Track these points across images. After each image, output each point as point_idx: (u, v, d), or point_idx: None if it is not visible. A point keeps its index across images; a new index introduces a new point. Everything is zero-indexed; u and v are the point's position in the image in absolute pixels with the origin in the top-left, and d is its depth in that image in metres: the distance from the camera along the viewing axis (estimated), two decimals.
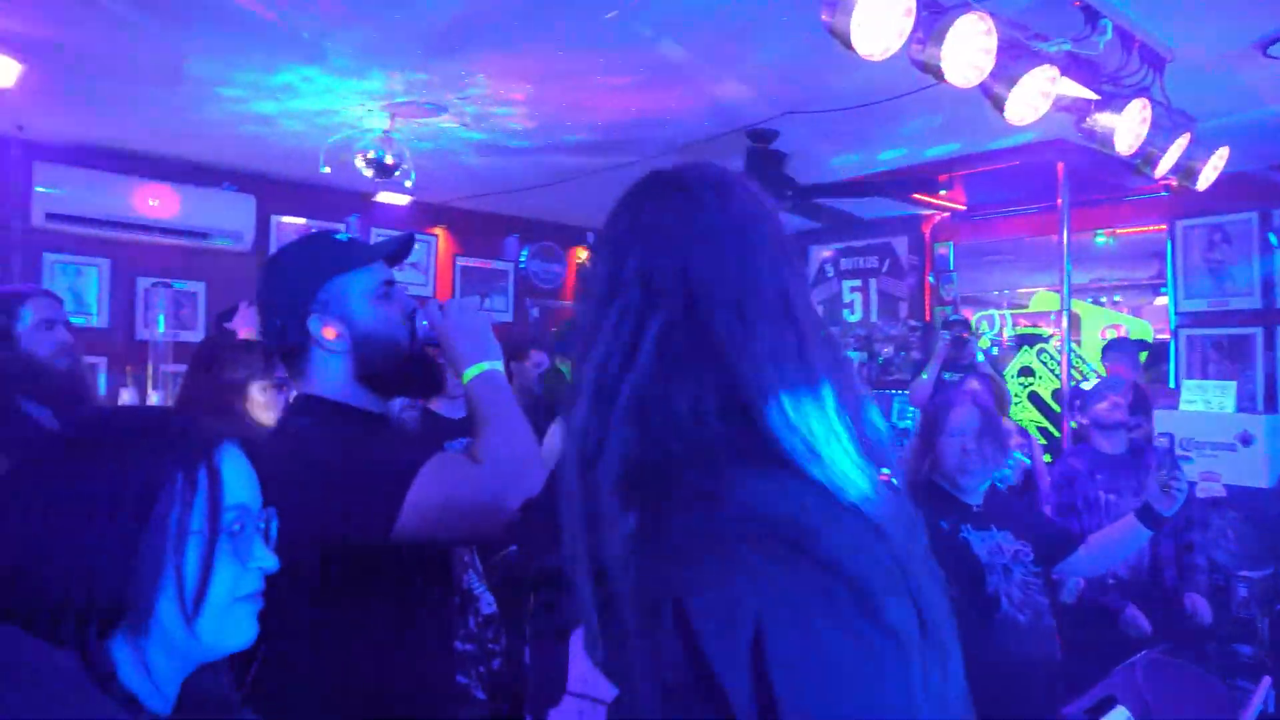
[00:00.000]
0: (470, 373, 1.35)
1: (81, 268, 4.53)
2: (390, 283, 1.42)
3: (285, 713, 1.08)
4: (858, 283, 6.19)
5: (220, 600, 0.82)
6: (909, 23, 2.49)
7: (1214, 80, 3.46)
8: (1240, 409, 3.86)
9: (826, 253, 6.44)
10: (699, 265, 0.80)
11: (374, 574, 1.28)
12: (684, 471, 0.74)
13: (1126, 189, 4.78)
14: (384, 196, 5.44)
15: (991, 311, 6.30)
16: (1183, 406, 3.83)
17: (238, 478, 0.87)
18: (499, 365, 1.38)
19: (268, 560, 0.87)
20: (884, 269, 6.06)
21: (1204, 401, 3.81)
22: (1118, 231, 5.49)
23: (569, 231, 6.47)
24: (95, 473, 0.80)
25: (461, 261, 5.96)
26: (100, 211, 4.40)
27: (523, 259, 6.27)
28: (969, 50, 2.62)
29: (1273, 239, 4.28)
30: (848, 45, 2.45)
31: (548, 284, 6.43)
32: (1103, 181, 4.53)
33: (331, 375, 1.38)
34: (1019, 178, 4.87)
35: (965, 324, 4.48)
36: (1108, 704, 1.60)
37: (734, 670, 0.65)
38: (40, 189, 4.25)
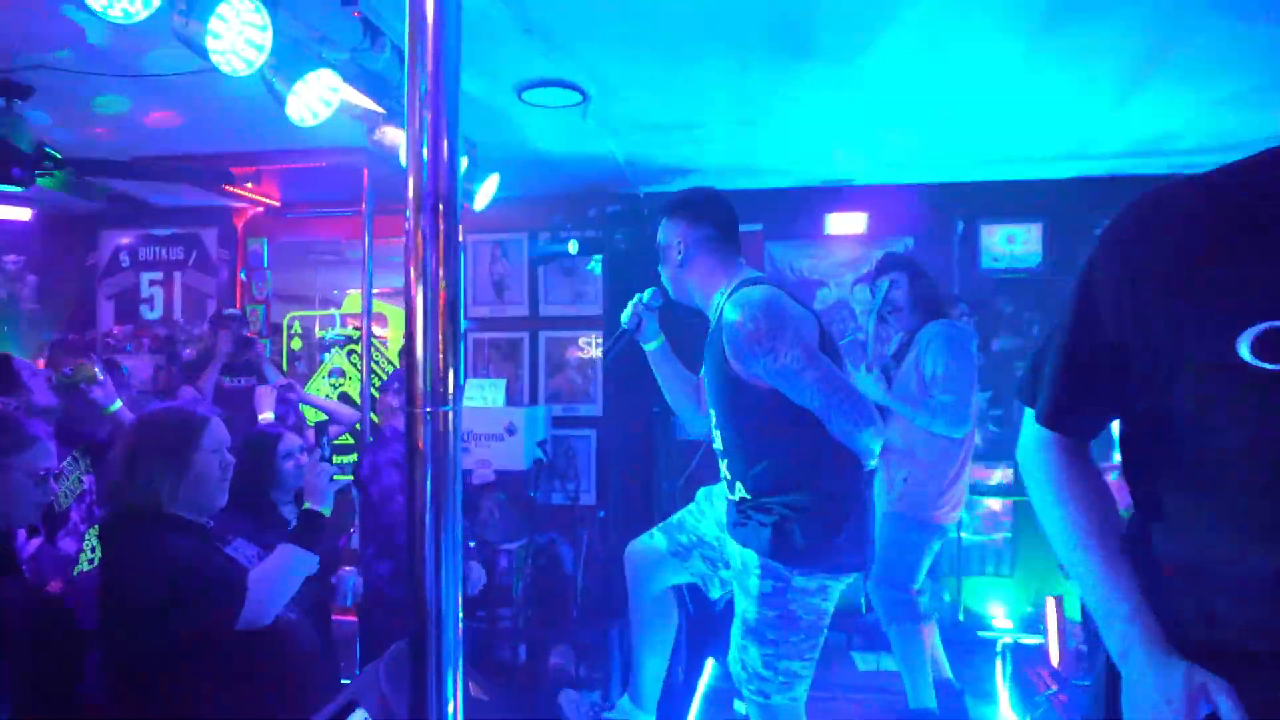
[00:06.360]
0: None
1: None
2: None
3: None
4: (159, 275, 5.57)
5: None
6: None
7: (489, 115, 3.90)
8: (511, 402, 4.50)
9: (125, 239, 5.66)
10: None
11: None
12: None
13: None
14: None
15: (313, 312, 6.23)
16: (465, 403, 4.30)
17: None
18: None
19: None
20: (191, 262, 5.56)
21: (481, 397, 4.34)
22: None
23: None
24: None
25: None
26: None
27: None
28: (238, 37, 2.47)
29: (539, 249, 5.09)
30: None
31: None
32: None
33: None
34: (331, 180, 4.90)
35: (243, 321, 4.25)
36: (348, 710, 1.62)
37: None
38: None
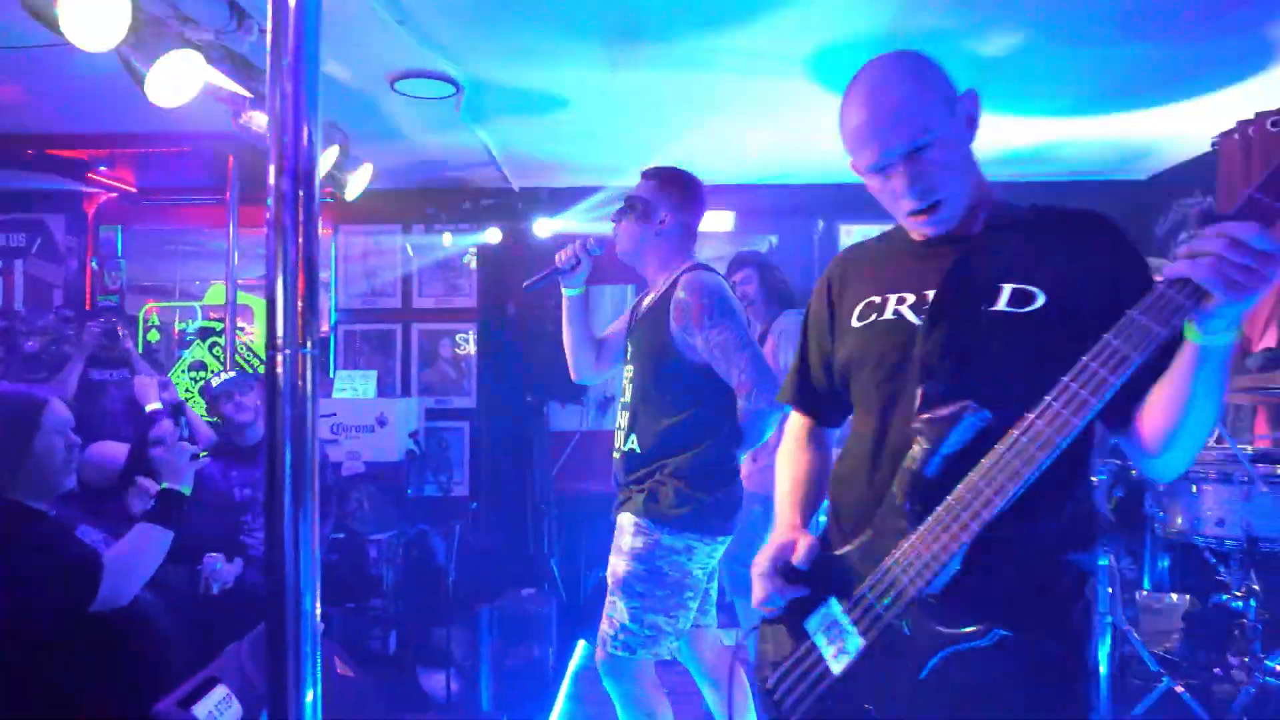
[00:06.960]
0: None
1: None
2: None
3: None
4: None
5: None
6: None
7: (361, 105, 3.86)
8: (383, 394, 4.49)
9: None
10: None
11: None
12: None
13: None
14: None
15: (172, 303, 5.96)
16: (335, 394, 4.27)
17: None
18: None
19: None
20: (35, 250, 5.24)
21: (352, 389, 4.31)
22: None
23: None
24: None
25: None
26: None
27: None
28: (94, 11, 2.40)
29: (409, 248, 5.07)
30: None
31: None
32: None
33: None
34: (194, 166, 4.74)
35: (118, 313, 4.11)
36: (208, 685, 1.63)
37: None
38: None
